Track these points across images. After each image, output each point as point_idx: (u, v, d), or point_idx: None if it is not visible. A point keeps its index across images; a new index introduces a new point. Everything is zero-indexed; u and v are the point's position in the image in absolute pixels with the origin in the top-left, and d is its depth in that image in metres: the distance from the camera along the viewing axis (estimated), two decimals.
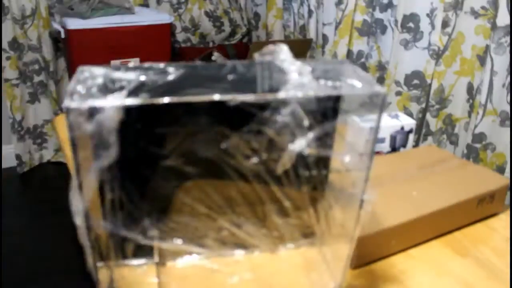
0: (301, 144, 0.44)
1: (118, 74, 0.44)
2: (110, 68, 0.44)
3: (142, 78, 0.44)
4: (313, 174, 0.51)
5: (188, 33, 2.35)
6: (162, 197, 0.52)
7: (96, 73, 0.43)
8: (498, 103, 1.16)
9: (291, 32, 2.05)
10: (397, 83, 1.44)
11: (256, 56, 0.49)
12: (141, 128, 0.45)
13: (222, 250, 0.58)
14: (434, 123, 1.37)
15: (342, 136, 0.48)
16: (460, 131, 1.33)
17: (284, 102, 0.42)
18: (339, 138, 0.48)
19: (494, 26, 1.13)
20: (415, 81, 1.41)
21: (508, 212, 0.75)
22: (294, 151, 0.44)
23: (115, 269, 0.53)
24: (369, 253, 0.62)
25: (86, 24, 1.86)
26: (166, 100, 0.40)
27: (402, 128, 0.87)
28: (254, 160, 0.48)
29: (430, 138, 1.39)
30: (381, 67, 1.60)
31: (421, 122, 1.41)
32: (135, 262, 0.57)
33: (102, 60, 1.84)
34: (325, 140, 0.45)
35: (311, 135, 0.44)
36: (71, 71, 2.09)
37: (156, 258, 0.58)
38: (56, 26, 1.93)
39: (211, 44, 2.41)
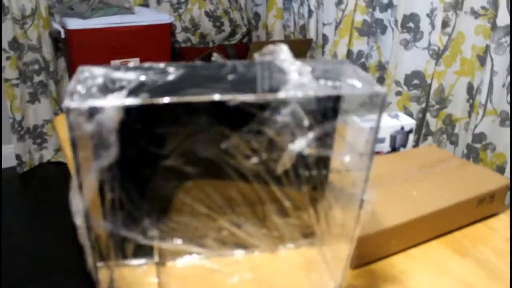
0: (301, 144, 0.44)
1: (118, 74, 0.44)
2: (110, 68, 0.44)
3: (142, 78, 0.44)
4: (313, 174, 0.51)
5: (188, 33, 2.35)
6: (162, 197, 0.52)
7: (96, 73, 0.43)
8: (498, 103, 1.16)
9: (291, 32, 2.05)
10: (397, 83, 1.44)
11: (256, 56, 0.49)
12: (141, 128, 0.45)
13: (222, 250, 0.58)
14: (434, 123, 1.37)
15: (342, 136, 0.48)
16: (460, 131, 1.33)
17: (284, 102, 0.42)
18: (339, 138, 0.48)
19: (494, 26, 1.13)
20: (415, 81, 1.41)
21: (508, 212, 0.75)
22: (294, 151, 0.44)
23: (115, 269, 0.53)
24: (369, 253, 0.62)
25: (86, 24, 1.86)
26: (166, 100, 0.40)
27: (402, 128, 0.87)
28: (254, 160, 0.48)
29: (430, 138, 1.39)
30: (381, 67, 1.60)
31: (421, 122, 1.41)
32: (135, 262, 0.57)
33: (102, 60, 1.85)
34: (325, 140, 0.45)
35: (311, 135, 0.44)
36: (71, 71, 2.09)
37: (156, 258, 0.58)
38: (56, 26, 1.93)
39: (211, 44, 2.41)
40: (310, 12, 1.85)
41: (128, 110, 0.39)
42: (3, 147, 2.20)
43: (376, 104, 0.44)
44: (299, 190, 0.53)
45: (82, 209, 0.41)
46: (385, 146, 0.87)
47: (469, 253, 0.66)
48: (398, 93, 1.44)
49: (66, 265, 1.56)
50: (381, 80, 1.57)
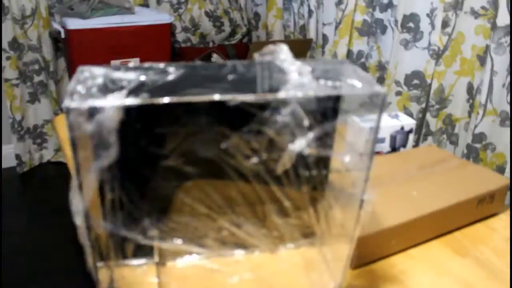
0: (301, 144, 0.44)
1: (118, 74, 0.44)
2: (110, 68, 0.44)
3: (142, 78, 0.44)
4: (313, 174, 0.51)
5: (188, 33, 2.35)
6: (162, 197, 0.52)
7: (96, 73, 0.43)
8: (498, 103, 1.16)
9: (291, 32, 2.05)
10: (397, 83, 1.44)
11: (256, 56, 0.49)
12: (141, 128, 0.45)
13: (222, 250, 0.58)
14: (434, 123, 1.37)
15: (342, 136, 0.48)
16: (460, 131, 1.33)
17: (284, 102, 0.42)
18: (339, 138, 0.48)
19: (494, 26, 1.13)
20: (415, 81, 1.41)
21: (508, 212, 0.75)
22: (294, 151, 0.44)
23: (115, 269, 0.53)
24: (369, 253, 0.62)
25: (86, 24, 1.86)
26: (166, 100, 0.40)
27: (402, 128, 0.87)
28: (254, 160, 0.48)
29: (430, 138, 1.39)
30: (381, 67, 1.60)
31: (421, 122, 1.41)
32: (135, 262, 0.57)
33: (102, 60, 1.85)
34: (325, 140, 0.45)
35: (311, 135, 0.44)
36: (71, 71, 2.09)
37: (156, 258, 0.58)
38: (56, 26, 1.93)
39: (211, 44, 2.41)
40: (310, 12, 1.85)
41: (128, 110, 0.39)
42: (3, 147, 2.20)
43: (376, 104, 0.44)
44: (299, 190, 0.53)
45: (82, 209, 0.41)
46: (385, 146, 0.87)
47: (469, 253, 0.65)
48: (398, 93, 1.44)
49: (66, 265, 1.56)
50: (381, 80, 1.57)
